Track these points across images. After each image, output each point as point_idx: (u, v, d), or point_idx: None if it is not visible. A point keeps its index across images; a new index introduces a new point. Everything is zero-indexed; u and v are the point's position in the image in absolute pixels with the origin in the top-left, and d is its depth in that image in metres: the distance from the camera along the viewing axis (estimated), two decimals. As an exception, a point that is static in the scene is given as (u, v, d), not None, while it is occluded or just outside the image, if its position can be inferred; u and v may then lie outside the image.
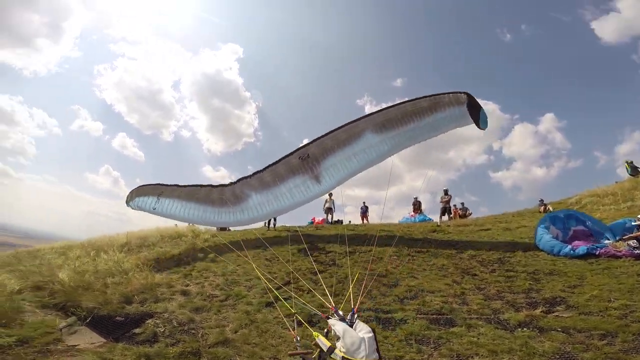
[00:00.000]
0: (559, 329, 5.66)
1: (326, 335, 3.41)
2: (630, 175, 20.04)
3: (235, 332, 6.75)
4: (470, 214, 22.22)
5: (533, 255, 10.18)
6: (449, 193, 19.68)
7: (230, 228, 21.19)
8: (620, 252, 9.30)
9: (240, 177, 12.57)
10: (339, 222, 22.64)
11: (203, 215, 12.67)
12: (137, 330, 6.94)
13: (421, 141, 12.42)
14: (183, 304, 8.01)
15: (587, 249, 9.78)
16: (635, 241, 9.61)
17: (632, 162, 20.66)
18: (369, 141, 11.84)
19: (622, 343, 5.06)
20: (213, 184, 12.78)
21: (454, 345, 5.45)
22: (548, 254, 10.25)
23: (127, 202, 13.19)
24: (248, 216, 12.43)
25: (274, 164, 12.09)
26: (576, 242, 10.48)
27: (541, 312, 6.34)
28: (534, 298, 7.12)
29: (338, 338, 3.03)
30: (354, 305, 3.58)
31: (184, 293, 8.83)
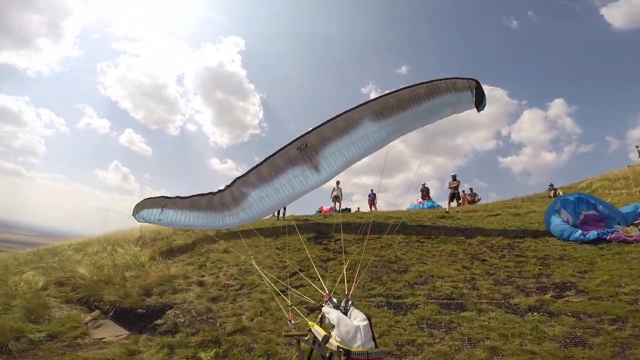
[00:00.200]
0: (569, 314, 5.75)
1: (320, 323, 3.38)
2: (641, 159, 19.84)
3: (252, 319, 6.97)
4: (479, 200, 22.19)
5: (543, 241, 10.22)
6: (457, 179, 19.64)
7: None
8: (631, 237, 9.29)
9: (239, 175, 12.68)
10: (347, 210, 22.83)
11: (207, 222, 12.82)
12: (158, 322, 7.18)
13: (419, 127, 12.43)
14: (200, 294, 8.26)
15: (598, 234, 9.78)
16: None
17: (643, 147, 20.42)
18: (367, 129, 11.83)
19: (632, 328, 5.12)
20: (213, 191, 12.90)
21: (465, 330, 5.59)
22: (558, 238, 10.27)
23: (133, 215, 13.44)
24: (251, 214, 12.50)
25: (271, 156, 12.11)
26: (587, 227, 10.48)
27: (551, 296, 6.43)
28: (544, 283, 7.21)
29: (333, 327, 2.95)
30: (348, 291, 3.54)
31: (200, 284, 9.08)
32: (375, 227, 12.73)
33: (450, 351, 5.08)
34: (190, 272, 9.97)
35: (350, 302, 3.34)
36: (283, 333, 5.62)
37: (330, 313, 3.07)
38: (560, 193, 17.73)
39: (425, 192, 22.80)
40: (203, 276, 9.65)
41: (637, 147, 21.19)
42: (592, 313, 5.65)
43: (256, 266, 8.37)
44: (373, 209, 22.50)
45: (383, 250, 10.40)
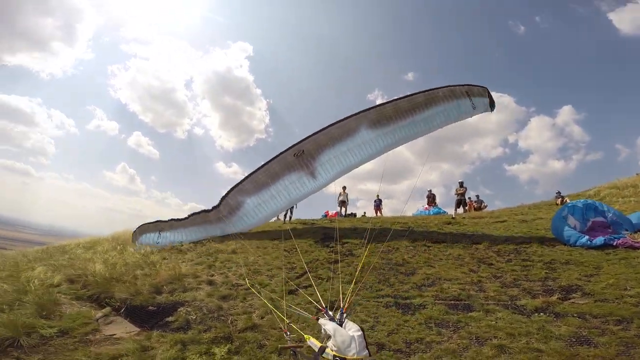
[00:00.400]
0: (575, 315, 5.85)
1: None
2: (650, 166, 19.82)
3: (262, 317, 7.11)
4: (485, 207, 22.22)
5: (549, 246, 10.29)
6: (464, 185, 19.73)
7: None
8: (638, 243, 9.35)
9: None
10: (353, 215, 22.95)
11: (205, 235, 12.88)
12: (170, 319, 7.28)
13: (419, 136, 12.53)
14: (210, 293, 8.41)
15: (605, 239, 9.83)
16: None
17: (652, 154, 20.38)
18: (363, 137, 11.91)
19: (637, 328, 5.22)
20: (207, 209, 13.00)
21: (472, 329, 5.70)
22: (565, 244, 10.34)
23: (133, 242, 13.57)
24: (248, 222, 12.54)
25: (267, 162, 12.17)
26: (594, 233, 10.53)
27: (557, 298, 6.53)
28: (550, 286, 7.30)
29: (329, 337, 3.11)
30: (343, 305, 3.66)
31: (210, 283, 9.24)
32: (381, 231, 12.84)
33: (458, 349, 5.19)
34: (200, 271, 10.13)
35: (345, 315, 3.50)
36: (279, 346, 5.64)
37: (327, 324, 3.23)
38: (568, 201, 17.74)
39: (431, 199, 22.88)
40: (212, 275, 9.81)
41: None
42: (598, 314, 5.74)
43: (251, 286, 8.38)
44: (379, 214, 22.62)
45: (390, 254, 10.52)
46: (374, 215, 22.80)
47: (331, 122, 12.10)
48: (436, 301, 6.93)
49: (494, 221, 15.12)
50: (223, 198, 12.67)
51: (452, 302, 6.86)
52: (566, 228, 10.80)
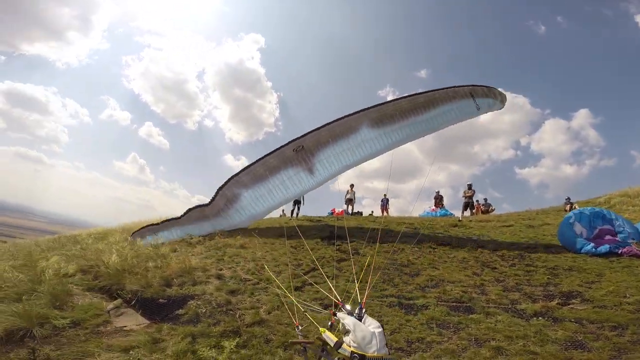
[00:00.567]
0: (573, 320, 6.00)
1: (331, 329, 3.39)
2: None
3: (269, 313, 7.36)
4: (493, 210, 22.23)
5: (554, 252, 10.39)
6: (472, 188, 19.73)
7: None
8: (642, 251, 9.40)
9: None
10: (359, 213, 23.12)
11: (201, 231, 12.89)
12: (180, 312, 7.48)
13: (420, 136, 12.57)
14: (219, 287, 8.67)
15: (610, 247, 9.90)
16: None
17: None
18: (364, 136, 11.96)
19: (631, 335, 5.37)
20: (202, 204, 12.97)
21: (472, 330, 5.88)
22: (570, 250, 10.42)
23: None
24: (245, 215, 12.55)
25: (266, 155, 12.16)
26: (600, 241, 10.59)
27: (557, 304, 6.68)
28: (551, 291, 7.44)
29: (347, 332, 2.95)
30: (362, 299, 3.55)
31: (219, 277, 9.50)
32: (388, 232, 13.03)
33: (457, 349, 5.38)
34: (209, 265, 10.42)
35: (364, 310, 3.37)
36: (289, 340, 5.70)
37: (346, 319, 3.07)
38: (577, 207, 17.71)
39: (438, 200, 22.95)
40: (221, 270, 10.09)
41: None
42: (595, 320, 5.90)
43: (269, 272, 8.65)
44: (385, 213, 22.77)
45: (395, 254, 10.70)
46: (381, 214, 22.95)
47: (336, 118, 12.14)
48: (438, 302, 7.11)
49: (500, 225, 15.20)
50: (220, 189, 12.61)
51: (454, 304, 7.04)
52: (572, 235, 10.87)
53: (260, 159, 12.22)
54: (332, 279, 9.02)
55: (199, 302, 7.82)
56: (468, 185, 19.93)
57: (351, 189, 21.62)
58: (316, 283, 8.66)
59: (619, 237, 10.64)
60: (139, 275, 9.50)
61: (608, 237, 10.74)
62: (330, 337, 3.03)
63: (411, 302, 7.30)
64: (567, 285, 7.62)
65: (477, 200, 22.15)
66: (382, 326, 3.04)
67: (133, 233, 13.68)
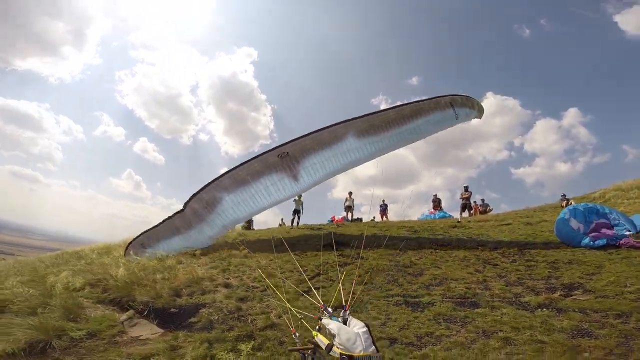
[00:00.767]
0: (577, 310, 6.21)
1: (320, 332, 3.51)
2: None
3: (279, 317, 7.49)
4: (490, 210, 22.50)
5: (553, 247, 10.62)
6: (469, 190, 20.06)
7: (253, 227, 22.20)
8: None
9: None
10: (359, 220, 23.30)
11: (187, 243, 12.69)
12: (193, 320, 7.61)
13: (405, 145, 13.00)
14: (228, 295, 8.78)
15: (607, 240, 10.15)
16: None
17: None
18: (350, 144, 12.09)
19: (635, 322, 5.58)
20: (179, 209, 12.69)
21: (479, 324, 6.07)
22: (568, 245, 10.66)
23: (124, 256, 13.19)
24: (226, 219, 12.43)
25: (249, 160, 12.08)
26: (596, 234, 10.84)
27: (560, 295, 6.89)
28: (552, 284, 7.65)
29: (333, 336, 3.07)
30: (346, 302, 3.72)
31: (226, 285, 9.61)
32: (389, 236, 13.19)
33: (466, 341, 5.56)
34: (216, 275, 10.51)
35: (348, 312, 3.52)
36: (288, 348, 5.83)
37: (330, 324, 3.20)
38: (573, 203, 18.02)
39: (436, 203, 23.21)
40: (228, 278, 10.19)
41: None
42: (598, 309, 6.11)
43: (268, 282, 8.68)
44: (384, 218, 23.00)
45: (398, 256, 10.87)
46: (380, 219, 23.17)
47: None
48: (444, 299, 7.29)
49: (499, 224, 15.44)
50: (196, 194, 12.32)
51: (459, 299, 7.23)
52: (569, 230, 11.12)
53: (243, 164, 12.16)
54: (338, 282, 9.17)
55: (210, 310, 7.94)
56: (465, 187, 20.28)
57: (350, 196, 21.88)
58: (322, 288, 8.82)
59: (615, 230, 10.91)
60: (147, 287, 9.59)
61: (604, 230, 11.00)
62: (323, 341, 3.16)
63: (417, 300, 7.48)
64: (568, 278, 7.84)
65: (475, 201, 22.45)
66: (368, 326, 3.15)
67: (126, 250, 13.29)
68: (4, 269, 14.08)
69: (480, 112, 13.92)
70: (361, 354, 2.86)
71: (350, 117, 12.30)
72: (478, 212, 21.92)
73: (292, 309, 4.70)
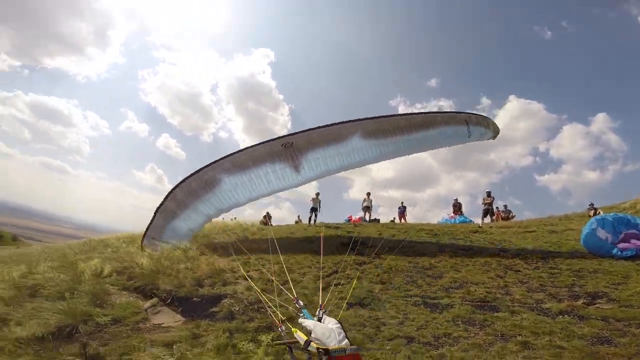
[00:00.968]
0: (599, 318, 6.10)
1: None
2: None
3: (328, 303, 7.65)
4: (513, 217, 22.00)
5: (578, 256, 10.37)
6: (491, 195, 19.69)
7: (271, 223, 22.53)
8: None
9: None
10: (377, 220, 23.26)
11: (188, 224, 12.61)
12: (215, 309, 7.89)
13: (412, 153, 12.84)
14: (249, 287, 9.03)
15: (636, 250, 9.84)
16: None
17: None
18: (355, 144, 11.99)
19: (659, 332, 5.45)
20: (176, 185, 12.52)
21: (498, 327, 6.06)
22: (594, 255, 10.39)
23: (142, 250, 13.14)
24: (223, 201, 12.31)
25: (253, 146, 12.06)
26: (625, 245, 10.52)
27: (582, 303, 6.78)
28: (576, 292, 7.51)
29: (309, 333, 3.26)
30: (322, 301, 3.96)
31: (247, 278, 9.89)
32: (407, 236, 13.17)
33: (484, 344, 5.57)
34: (236, 267, 10.81)
35: (323, 311, 3.82)
36: (274, 342, 6.03)
37: (305, 322, 3.45)
38: (601, 213, 17.42)
39: (457, 207, 22.89)
40: (248, 271, 10.45)
41: None
42: (621, 318, 5.99)
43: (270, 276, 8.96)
44: (403, 220, 22.88)
45: (417, 258, 10.87)
46: (399, 221, 23.07)
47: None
48: (463, 302, 7.28)
49: (522, 231, 15.12)
50: (193, 174, 12.18)
51: (479, 303, 7.20)
52: (596, 240, 10.83)
53: (246, 148, 12.16)
54: (356, 280, 9.25)
55: (231, 301, 8.19)
56: (487, 192, 19.91)
57: (368, 197, 21.87)
58: (341, 284, 8.94)
59: (645, 241, 10.56)
60: (171, 276, 9.95)
61: (634, 241, 10.66)
62: (302, 337, 3.33)
63: (436, 301, 7.49)
64: (592, 286, 7.67)
65: (497, 207, 22.01)
66: (340, 322, 3.40)
67: (142, 238, 13.29)
68: (35, 254, 14.86)
69: (495, 132, 13.76)
70: (335, 347, 3.06)
71: (366, 115, 12.19)
72: (500, 219, 21.49)
73: (267, 301, 5.16)
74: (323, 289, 8.92)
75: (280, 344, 4.16)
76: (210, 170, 12.07)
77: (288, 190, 13.06)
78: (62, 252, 13.92)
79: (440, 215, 23.78)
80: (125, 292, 9.80)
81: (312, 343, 3.18)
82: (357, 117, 12.09)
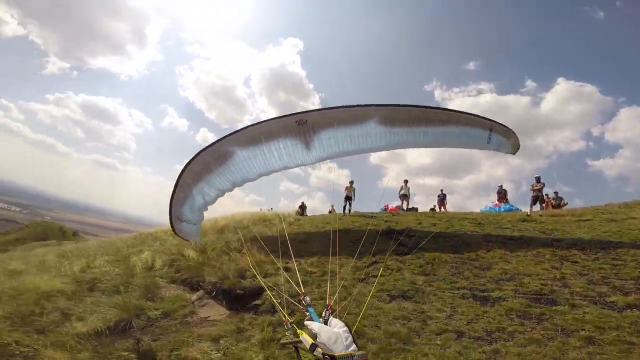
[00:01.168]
0: (676, 313, 5.48)
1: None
2: None
3: (336, 303, 7.58)
4: (565, 204, 20.52)
5: (644, 246, 9.45)
6: (541, 181, 18.41)
7: (306, 213, 22.56)
8: None
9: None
10: (414, 209, 22.59)
11: (204, 198, 12.40)
12: (257, 302, 8.01)
13: (429, 147, 12.39)
14: (288, 279, 9.11)
15: None
16: None
17: None
18: (370, 129, 11.69)
19: None
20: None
21: (557, 321, 5.62)
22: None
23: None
24: (236, 175, 12.25)
25: (267, 120, 11.89)
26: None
27: (654, 297, 6.13)
28: (645, 285, 6.82)
29: (315, 336, 3.11)
30: (329, 301, 3.78)
31: (286, 269, 9.89)
32: (448, 227, 12.65)
33: (542, 339, 5.18)
34: (276, 258, 10.93)
35: (329, 312, 3.62)
36: (281, 342, 5.83)
37: (311, 324, 3.26)
38: (666, 199, 15.81)
39: (502, 194, 21.74)
40: (287, 263, 10.52)
41: None
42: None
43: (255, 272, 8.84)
44: (443, 209, 22.08)
45: (462, 249, 10.40)
46: (438, 210, 22.30)
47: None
48: (516, 295, 6.85)
49: (576, 219, 14.04)
50: (207, 147, 11.93)
51: (534, 296, 6.74)
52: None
53: (260, 122, 11.99)
54: (397, 271, 9.01)
55: (273, 293, 8.25)
56: (536, 177, 18.64)
57: (405, 184, 21.26)
58: (381, 275, 8.75)
59: None
60: (215, 268, 10.25)
61: None
62: (307, 340, 3.18)
63: (485, 294, 7.10)
64: (664, 279, 6.94)
65: (547, 194, 20.61)
66: (348, 325, 3.20)
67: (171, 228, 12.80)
68: (92, 248, 15.86)
69: (514, 148, 13.05)
70: (342, 353, 2.88)
71: (399, 102, 11.90)
72: (550, 206, 20.13)
73: (273, 299, 4.61)
74: (362, 279, 8.83)
75: (287, 343, 3.91)
76: (225, 142, 12.01)
77: (298, 167, 12.96)
78: (115, 246, 14.69)
79: (482, 203, 22.73)
80: (173, 285, 10.21)
81: (317, 348, 3.02)
82: (389, 101, 11.81)
